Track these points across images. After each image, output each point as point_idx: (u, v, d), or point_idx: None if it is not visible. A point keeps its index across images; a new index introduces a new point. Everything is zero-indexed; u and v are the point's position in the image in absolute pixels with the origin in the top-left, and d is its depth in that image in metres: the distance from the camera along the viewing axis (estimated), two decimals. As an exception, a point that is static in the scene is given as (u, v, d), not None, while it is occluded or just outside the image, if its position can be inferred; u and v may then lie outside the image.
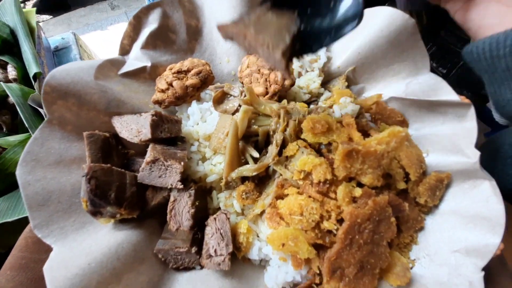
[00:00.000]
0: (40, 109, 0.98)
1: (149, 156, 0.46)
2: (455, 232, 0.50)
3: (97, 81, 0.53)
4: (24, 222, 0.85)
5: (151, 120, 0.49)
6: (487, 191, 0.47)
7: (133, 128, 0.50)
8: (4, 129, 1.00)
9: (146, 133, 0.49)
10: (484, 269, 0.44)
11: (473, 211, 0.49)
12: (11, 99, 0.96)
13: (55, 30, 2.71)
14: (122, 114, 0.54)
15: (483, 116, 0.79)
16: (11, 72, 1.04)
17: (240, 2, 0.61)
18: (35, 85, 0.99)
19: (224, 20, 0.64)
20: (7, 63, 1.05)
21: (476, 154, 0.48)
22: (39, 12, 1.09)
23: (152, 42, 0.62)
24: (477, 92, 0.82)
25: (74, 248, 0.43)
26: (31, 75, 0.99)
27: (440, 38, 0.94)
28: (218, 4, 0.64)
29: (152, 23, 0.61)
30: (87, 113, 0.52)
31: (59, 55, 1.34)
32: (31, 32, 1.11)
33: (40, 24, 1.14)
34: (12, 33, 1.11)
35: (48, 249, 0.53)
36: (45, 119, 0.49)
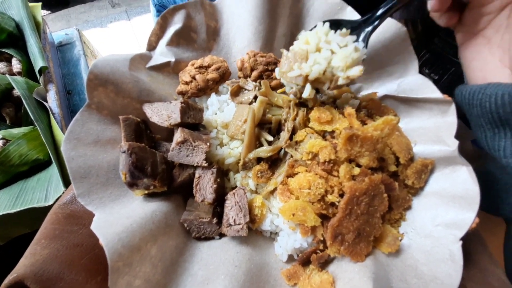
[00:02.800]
0: (45, 103, 0.98)
1: (179, 137, 0.54)
2: (437, 209, 0.58)
3: (131, 72, 0.60)
4: (23, 214, 0.83)
5: (181, 107, 0.56)
6: (464, 175, 0.55)
7: (163, 113, 0.58)
8: (8, 122, 0.99)
9: (176, 117, 0.56)
10: (463, 242, 0.50)
11: (452, 192, 0.56)
12: (16, 92, 0.95)
13: (54, 26, 2.72)
14: (151, 102, 0.61)
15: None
16: (16, 65, 1.03)
17: (256, 7, 0.70)
18: (40, 79, 0.98)
19: (241, 24, 0.72)
20: (11, 57, 1.03)
21: (455, 143, 0.56)
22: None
23: (176, 40, 0.69)
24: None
25: (114, 214, 0.49)
26: (36, 69, 0.99)
27: (434, 45, 0.98)
28: (236, 8, 0.72)
29: (177, 23, 0.69)
30: (122, 100, 0.59)
31: (62, 50, 1.33)
32: (37, 26, 1.09)
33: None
34: (17, 27, 1.09)
35: (78, 223, 0.59)
36: (85, 103, 0.56)
